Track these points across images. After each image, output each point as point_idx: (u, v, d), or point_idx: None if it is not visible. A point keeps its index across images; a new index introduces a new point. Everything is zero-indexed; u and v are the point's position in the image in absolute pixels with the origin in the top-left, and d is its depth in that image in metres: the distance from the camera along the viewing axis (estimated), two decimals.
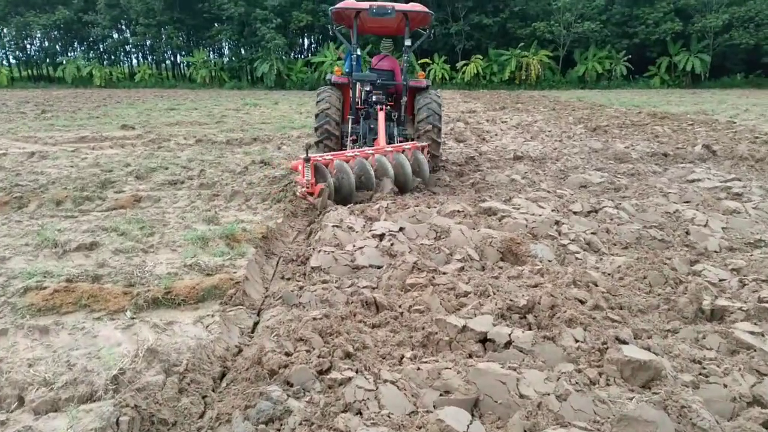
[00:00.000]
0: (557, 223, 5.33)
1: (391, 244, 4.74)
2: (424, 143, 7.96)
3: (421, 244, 4.80)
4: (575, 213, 5.91)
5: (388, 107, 8.71)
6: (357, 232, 5.25)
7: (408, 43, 8.48)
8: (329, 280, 4.22)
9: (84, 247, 4.94)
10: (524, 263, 4.54)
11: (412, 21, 8.41)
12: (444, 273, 4.09)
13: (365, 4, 7.84)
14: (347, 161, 6.85)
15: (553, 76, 48.09)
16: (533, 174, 8.57)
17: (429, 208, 5.90)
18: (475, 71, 46.01)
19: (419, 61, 45.64)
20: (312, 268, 4.52)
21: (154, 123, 16.37)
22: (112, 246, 4.99)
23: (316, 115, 8.23)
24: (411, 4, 8.29)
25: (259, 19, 43.53)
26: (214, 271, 4.44)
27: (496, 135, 13.96)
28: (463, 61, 46.43)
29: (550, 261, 4.57)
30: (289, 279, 4.64)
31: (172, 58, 52.34)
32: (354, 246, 4.74)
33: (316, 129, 8.22)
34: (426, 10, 8.13)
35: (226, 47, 50.48)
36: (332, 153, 7.18)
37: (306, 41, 53.25)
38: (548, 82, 47.06)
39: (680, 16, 43.27)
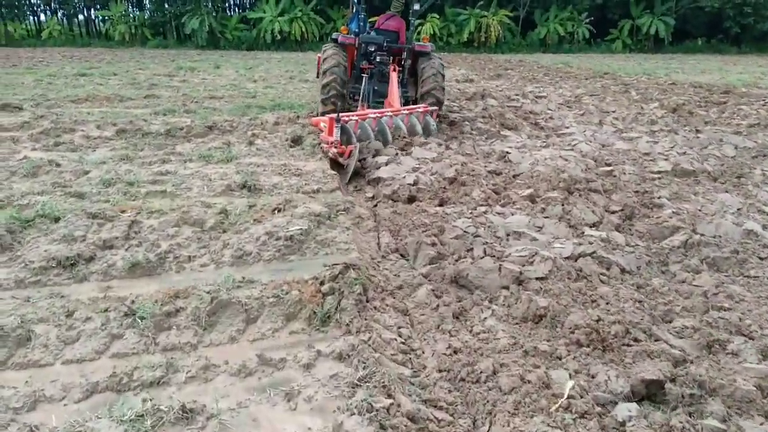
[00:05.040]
0: None
1: None
2: (435, 108, 8.19)
3: None
4: None
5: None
6: None
7: (416, 7, 8.57)
8: None
9: None
10: None
11: None
12: None
13: None
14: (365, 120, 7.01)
15: (513, 38, 44.63)
16: (759, 214, 4.75)
17: None
18: (432, 31, 41.80)
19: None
20: None
21: (53, 98, 11.13)
22: None
23: (324, 72, 8.25)
24: None
25: None
26: None
27: (551, 118, 10.01)
28: (419, 21, 42.00)
29: None
30: None
31: (85, 12, 44.65)
32: None
33: (323, 87, 8.19)
34: None
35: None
36: (356, 113, 7.26)
37: None
38: (508, 45, 43.61)
39: None
